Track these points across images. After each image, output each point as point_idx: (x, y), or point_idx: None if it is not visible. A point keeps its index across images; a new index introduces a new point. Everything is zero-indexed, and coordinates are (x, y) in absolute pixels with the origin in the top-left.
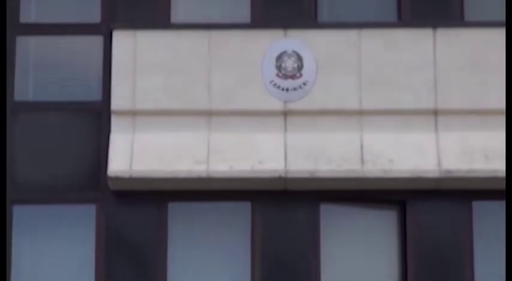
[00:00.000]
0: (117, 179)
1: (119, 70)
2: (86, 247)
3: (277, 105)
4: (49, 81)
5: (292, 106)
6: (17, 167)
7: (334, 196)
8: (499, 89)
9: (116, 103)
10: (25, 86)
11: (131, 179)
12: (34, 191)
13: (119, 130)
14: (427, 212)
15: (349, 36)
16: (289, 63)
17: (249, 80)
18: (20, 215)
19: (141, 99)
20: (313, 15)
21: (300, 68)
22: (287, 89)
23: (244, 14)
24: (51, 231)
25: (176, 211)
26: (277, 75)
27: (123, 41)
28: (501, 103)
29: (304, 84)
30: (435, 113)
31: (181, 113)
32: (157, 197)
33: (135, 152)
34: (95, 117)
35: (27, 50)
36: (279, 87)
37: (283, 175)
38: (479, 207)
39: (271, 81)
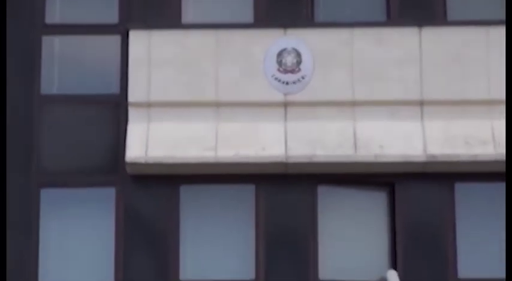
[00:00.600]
0: (134, 164)
1: (135, 66)
2: (106, 225)
3: (278, 97)
4: (72, 76)
5: (291, 98)
6: (43, 154)
7: (330, 178)
8: (479, 82)
9: (132, 96)
10: (50, 81)
11: (147, 164)
12: (59, 175)
13: (135, 120)
14: (414, 193)
15: (342, 34)
16: (289, 59)
17: (253, 74)
18: (47, 198)
19: (155, 92)
20: (310, 16)
21: (298, 63)
22: (287, 83)
23: (248, 14)
24: (75, 211)
25: (187, 193)
26: (278, 70)
27: (138, 39)
28: (480, 94)
29: (303, 78)
30: (421, 103)
31: (192, 105)
32: (171, 180)
33: (150, 140)
34: (114, 109)
35: (52, 48)
36: (279, 80)
37: (284, 160)
38: (461, 188)
39: (272, 76)
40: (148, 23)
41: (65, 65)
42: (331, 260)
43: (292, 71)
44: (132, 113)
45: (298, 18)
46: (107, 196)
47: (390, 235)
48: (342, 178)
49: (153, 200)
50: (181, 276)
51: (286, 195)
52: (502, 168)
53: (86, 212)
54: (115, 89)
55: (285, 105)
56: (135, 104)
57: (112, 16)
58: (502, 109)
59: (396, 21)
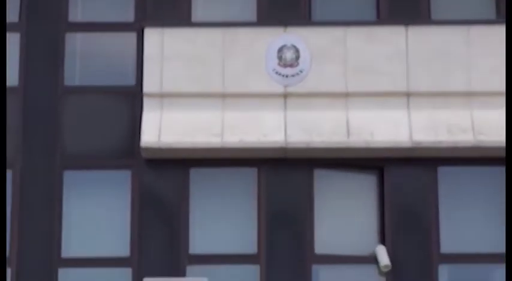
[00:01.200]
0: (148, 149)
1: (149, 60)
2: (122, 204)
3: (278, 88)
4: (92, 69)
5: (290, 89)
6: (66, 140)
7: (325, 162)
8: (459, 76)
9: (147, 87)
10: (73, 74)
11: (160, 149)
12: (81, 159)
13: (149, 109)
14: (401, 176)
15: (336, 32)
16: (288, 55)
17: (256, 68)
18: (69, 179)
19: (167, 84)
20: (308, 16)
21: (297, 58)
22: (286, 76)
23: (251, 14)
24: (95, 191)
25: (196, 175)
26: (279, 64)
27: (152, 36)
28: (461, 87)
29: (301, 71)
30: (407, 95)
31: (200, 95)
32: (181, 164)
33: (163, 127)
34: (130, 99)
35: (75, 44)
36: (280, 74)
37: (283, 145)
38: (443, 171)
39: (273, 69)
40: (161, 22)
41: (86, 59)
42: (326, 236)
43: (291, 66)
44: (146, 102)
45: (296, 17)
46: (124, 177)
47: (379, 214)
48: (336, 162)
49: (166, 182)
50: (191, 250)
51: (285, 177)
52: (480, 153)
53: (105, 192)
54: (131, 81)
55: (285, 96)
56: (149, 95)
57: (128, 15)
58: (481, 100)
59: (385, 21)
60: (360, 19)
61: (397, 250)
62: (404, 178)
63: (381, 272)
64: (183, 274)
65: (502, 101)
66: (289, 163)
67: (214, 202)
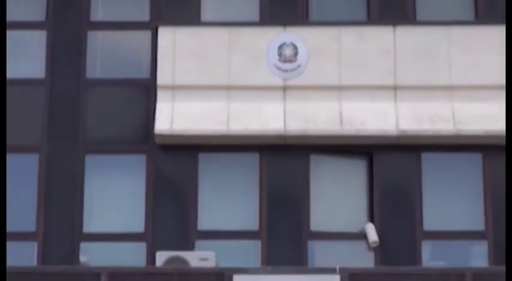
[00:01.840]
0: (161, 135)
1: (163, 56)
2: (138, 185)
3: (278, 82)
4: (111, 63)
5: (289, 83)
6: (88, 127)
7: (320, 148)
8: (441, 71)
9: (160, 80)
10: (94, 68)
11: (172, 136)
12: (100, 144)
13: (162, 100)
14: (388, 161)
15: (331, 31)
16: (288, 51)
17: (258, 64)
18: (90, 163)
19: (179, 77)
20: (305, 16)
21: (295, 54)
22: (286, 70)
23: (254, 14)
24: (113, 173)
25: (204, 160)
26: (279, 60)
27: (165, 34)
28: (442, 81)
29: (299, 66)
30: (394, 88)
31: (208, 88)
32: (191, 149)
33: (174, 116)
34: (145, 90)
35: (96, 41)
36: (280, 69)
37: (282, 133)
38: (426, 157)
39: (274, 65)
40: (173, 21)
41: (105, 55)
42: (321, 214)
43: (290, 61)
44: (160, 94)
45: (295, 17)
46: (139, 161)
47: (368, 195)
48: (330, 148)
49: (177, 165)
50: (199, 226)
51: (284, 162)
52: (460, 141)
53: (122, 174)
54: (146, 74)
55: (284, 88)
56: (162, 87)
57: (144, 15)
58: (460, 93)
59: (375, 21)
60: (352, 19)
61: (384, 227)
62: (391, 163)
63: (369, 248)
64: (192, 248)
65: (480, 94)
66: (287, 148)
67: (220, 184)
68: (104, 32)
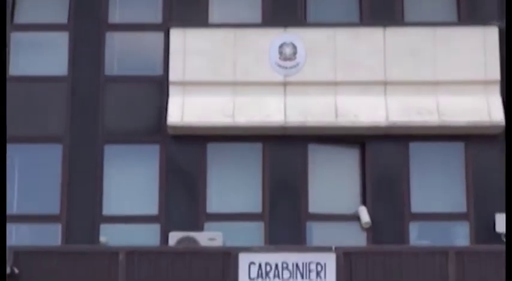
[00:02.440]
0: (173, 127)
1: (174, 55)
2: (152, 172)
3: (279, 78)
4: (127, 61)
5: (289, 79)
6: (106, 119)
7: (317, 138)
8: (427, 68)
9: (172, 76)
10: (111, 66)
11: (182, 127)
12: (118, 135)
13: (174, 94)
14: (379, 150)
15: (327, 32)
16: (288, 50)
17: (261, 61)
18: (109, 152)
19: (189, 74)
20: (304, 18)
21: (294, 53)
22: (286, 68)
23: (257, 17)
24: (129, 161)
25: (212, 149)
26: (279, 58)
27: (176, 35)
28: (428, 77)
29: (298, 64)
30: (385, 83)
31: (216, 83)
32: (200, 139)
33: (185, 109)
34: (158, 86)
35: (113, 41)
36: (280, 66)
37: (283, 124)
38: (414, 146)
39: (275, 62)
40: (184, 23)
41: (122, 54)
42: (318, 198)
43: (290, 59)
44: (171, 89)
45: (294, 19)
46: (153, 150)
47: (361, 180)
48: (326, 138)
49: (187, 154)
50: (208, 209)
51: (285, 150)
52: (444, 131)
53: (137, 162)
54: (159, 71)
55: (284, 84)
56: (174, 83)
57: (157, 18)
58: (445, 88)
59: (367, 23)
60: (346, 21)
61: (375, 210)
62: (381, 151)
63: (362, 228)
64: (201, 229)
65: (462, 88)
66: (288, 139)
67: (226, 171)
68: (121, 33)
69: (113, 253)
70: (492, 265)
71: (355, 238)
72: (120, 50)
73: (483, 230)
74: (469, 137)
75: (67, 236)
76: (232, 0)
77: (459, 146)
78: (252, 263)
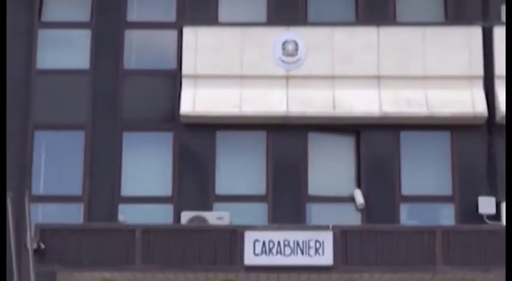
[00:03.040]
0: (186, 116)
1: (186, 51)
2: (166, 157)
3: (282, 72)
4: (144, 56)
5: (291, 73)
6: (125, 109)
7: (316, 127)
8: (417, 64)
9: (184, 70)
10: (130, 60)
11: (194, 116)
12: (135, 123)
13: (186, 86)
14: (372, 138)
15: (326, 30)
16: (290, 47)
17: (265, 57)
18: (127, 138)
19: (200, 68)
20: (305, 18)
21: (296, 50)
22: (288, 63)
23: (262, 17)
24: (145, 147)
25: (221, 136)
26: (282, 54)
27: (189, 33)
28: (418, 72)
29: (299, 60)
30: (378, 77)
31: (224, 77)
32: (210, 127)
33: (196, 100)
34: (172, 79)
35: (131, 38)
36: (283, 61)
37: (285, 114)
38: (404, 135)
39: (278, 58)
40: (195, 22)
41: (139, 49)
42: (316, 182)
43: (292, 55)
44: (184, 82)
45: (296, 19)
46: (167, 137)
47: (356, 165)
48: (325, 127)
49: (198, 141)
50: (216, 191)
51: (286, 138)
52: (432, 122)
53: (153, 148)
54: (173, 65)
55: (287, 78)
56: (186, 76)
57: (171, 17)
58: (433, 82)
59: (362, 22)
60: (343, 21)
61: (369, 192)
62: (375, 139)
63: (357, 209)
64: (210, 209)
65: (449, 83)
66: (289, 127)
67: (234, 156)
68: (138, 30)
69: (130, 230)
70: (475, 243)
71: (350, 217)
72: (138, 46)
73: (467, 211)
74: (454, 127)
75: (88, 215)
76: (239, 1)
77: (445, 135)
78: (257, 240)
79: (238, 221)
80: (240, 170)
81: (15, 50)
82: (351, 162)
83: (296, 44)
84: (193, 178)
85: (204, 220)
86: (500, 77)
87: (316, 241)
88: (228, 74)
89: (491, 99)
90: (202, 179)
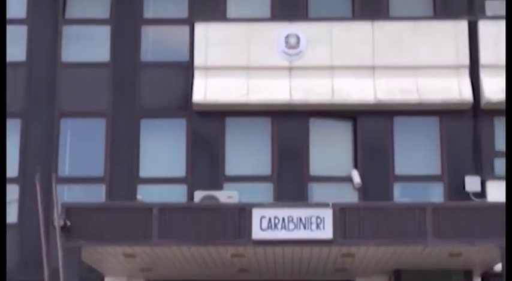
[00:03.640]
0: (198, 104)
1: (198, 44)
2: (180, 142)
3: (285, 63)
4: (159, 50)
5: (294, 64)
6: (142, 97)
7: (317, 114)
8: (408, 55)
9: (196, 62)
10: (146, 53)
11: (205, 104)
12: (152, 111)
13: (198, 77)
14: (368, 123)
15: (325, 25)
16: (292, 40)
17: (270, 49)
18: (145, 125)
19: (211, 60)
20: (306, 14)
21: (298, 43)
22: (291, 55)
23: (267, 13)
24: (161, 133)
25: (230, 122)
26: (286, 46)
27: (200, 28)
28: (409, 62)
29: (301, 52)
30: (373, 68)
31: (233, 68)
32: (220, 114)
33: (207, 89)
34: (185, 70)
35: (148, 34)
36: (286, 53)
37: (289, 102)
38: (397, 120)
39: (282, 50)
40: (206, 18)
41: (155, 43)
42: (318, 163)
43: (294, 48)
44: (196, 73)
45: (297, 15)
46: (181, 124)
47: (353, 148)
48: (324, 113)
49: (209, 127)
50: (226, 172)
51: (290, 124)
52: (422, 108)
53: (168, 133)
54: (186, 58)
55: (290, 68)
56: (198, 67)
57: (184, 13)
58: (423, 71)
59: (358, 17)
60: (341, 16)
61: (365, 172)
62: (370, 124)
63: (354, 188)
64: (221, 188)
65: (438, 72)
66: (292, 114)
67: (241, 140)
68: (154, 26)
69: (147, 208)
70: (462, 218)
71: (348, 196)
72: (153, 40)
73: (454, 189)
74: (443, 112)
75: (110, 195)
76: None
77: (435, 120)
78: (263, 216)
79: (246, 199)
80: (247, 153)
81: (43, 45)
82: (349, 145)
83: (298, 37)
84: (205, 160)
85: (215, 198)
86: (484, 66)
87: (317, 217)
88: (236, 66)
89: (476, 87)
90: (213, 161)
